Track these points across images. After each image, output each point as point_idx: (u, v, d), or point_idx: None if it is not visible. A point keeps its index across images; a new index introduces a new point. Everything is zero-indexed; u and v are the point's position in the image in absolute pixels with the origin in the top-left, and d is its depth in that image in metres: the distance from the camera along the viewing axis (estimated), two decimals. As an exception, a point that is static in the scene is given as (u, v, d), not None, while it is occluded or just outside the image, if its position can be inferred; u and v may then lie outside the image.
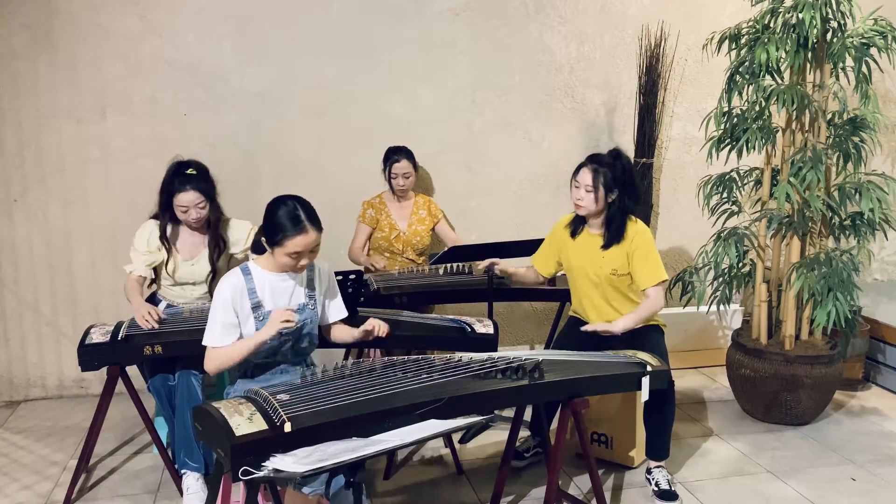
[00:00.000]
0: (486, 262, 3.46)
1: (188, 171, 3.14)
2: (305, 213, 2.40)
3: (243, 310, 2.46)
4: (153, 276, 3.28)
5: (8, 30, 3.85)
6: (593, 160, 3.11)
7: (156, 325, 2.98)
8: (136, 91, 4.03)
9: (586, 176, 3.08)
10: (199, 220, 3.17)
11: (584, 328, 3.05)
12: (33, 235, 4.04)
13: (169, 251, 3.20)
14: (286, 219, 2.38)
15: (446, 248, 3.72)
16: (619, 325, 3.02)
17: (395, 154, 3.94)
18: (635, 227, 3.14)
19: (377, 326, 2.63)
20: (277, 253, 2.42)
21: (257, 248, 2.54)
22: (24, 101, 3.92)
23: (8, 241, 4.02)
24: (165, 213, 3.19)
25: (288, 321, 2.37)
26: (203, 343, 2.46)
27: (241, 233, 3.31)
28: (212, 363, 2.46)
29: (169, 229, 3.22)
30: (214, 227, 3.24)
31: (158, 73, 4.03)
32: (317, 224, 2.42)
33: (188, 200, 3.12)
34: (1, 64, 3.87)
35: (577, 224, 3.22)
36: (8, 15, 3.84)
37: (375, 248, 4.05)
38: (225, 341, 2.43)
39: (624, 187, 3.09)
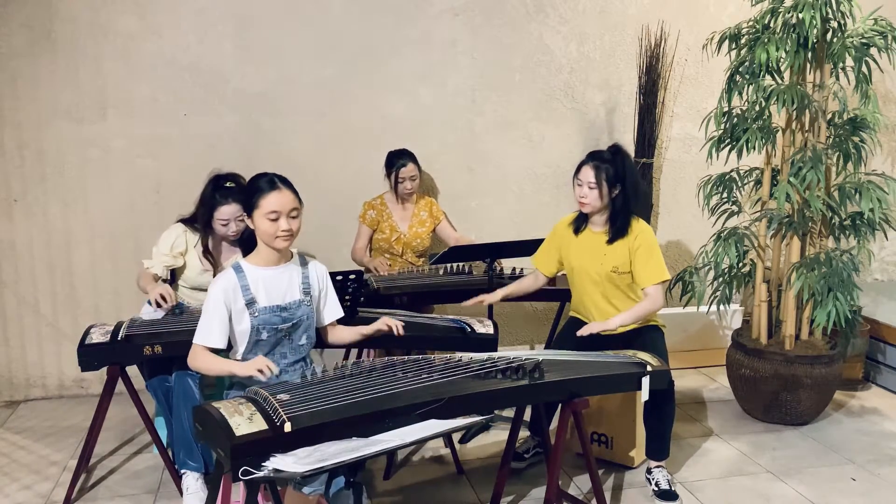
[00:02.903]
0: (474, 301, 3.29)
1: (227, 185, 3.19)
2: (279, 178, 2.48)
3: (237, 307, 2.46)
4: (168, 278, 3.30)
5: (8, 30, 3.85)
6: (594, 157, 3.12)
7: (173, 303, 3.05)
8: (136, 91, 4.03)
9: (588, 173, 3.08)
10: (238, 232, 3.20)
11: (579, 333, 2.99)
12: (33, 235, 4.04)
13: (215, 267, 3.25)
14: (261, 183, 2.47)
15: (447, 248, 3.72)
16: (616, 321, 3.01)
17: (400, 158, 3.94)
18: (639, 225, 3.14)
19: (394, 326, 2.68)
20: (257, 219, 2.45)
21: (250, 243, 2.55)
22: (24, 101, 3.92)
23: (8, 241, 4.02)
24: (207, 229, 3.23)
25: (263, 371, 2.33)
26: (194, 340, 2.46)
27: None
28: (194, 361, 2.47)
29: (210, 242, 3.27)
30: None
31: (158, 73, 4.03)
32: (291, 188, 2.48)
33: (229, 213, 3.16)
34: (1, 64, 3.87)
35: (580, 222, 3.23)
36: (8, 15, 3.84)
37: (375, 250, 4.05)
38: (214, 343, 2.44)
39: (626, 182, 3.09)
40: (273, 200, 2.42)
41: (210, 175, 3.23)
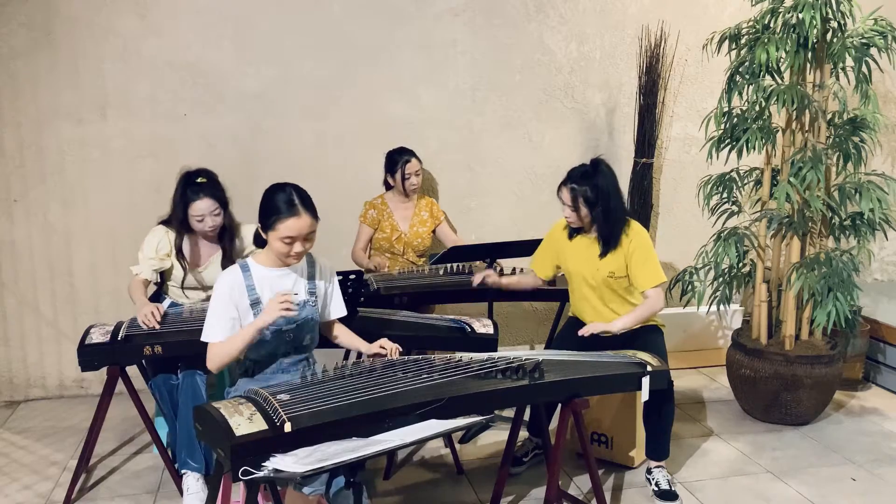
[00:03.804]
0: (480, 276, 3.40)
1: (199, 180, 3.16)
2: (300, 198, 2.41)
3: (242, 306, 2.45)
4: (158, 280, 3.28)
5: (8, 30, 3.85)
6: (571, 178, 3.10)
7: (157, 325, 2.98)
8: (136, 91, 4.03)
9: (566, 196, 3.10)
10: (215, 227, 3.18)
11: (580, 332, 3.00)
12: (33, 235, 4.04)
13: (185, 269, 3.21)
14: (280, 202, 2.39)
15: (447, 248, 3.72)
16: (618, 324, 3.01)
17: (404, 155, 3.95)
18: (632, 229, 3.14)
19: (390, 350, 2.59)
20: (271, 238, 2.42)
21: (257, 241, 2.55)
22: (24, 101, 3.92)
23: (8, 241, 4.02)
24: (181, 228, 3.18)
25: (288, 307, 2.32)
26: (202, 339, 2.45)
27: (251, 237, 3.30)
28: (214, 360, 2.43)
29: (183, 240, 3.22)
30: (229, 234, 3.25)
31: (158, 73, 4.03)
32: (311, 210, 2.42)
33: (203, 208, 3.13)
34: (1, 64, 3.87)
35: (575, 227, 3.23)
36: (8, 15, 3.84)
37: (377, 249, 4.05)
38: (224, 337, 2.43)
39: (607, 197, 3.07)
40: (290, 226, 2.37)
41: (180, 172, 3.20)
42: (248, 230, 3.32)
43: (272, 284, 2.49)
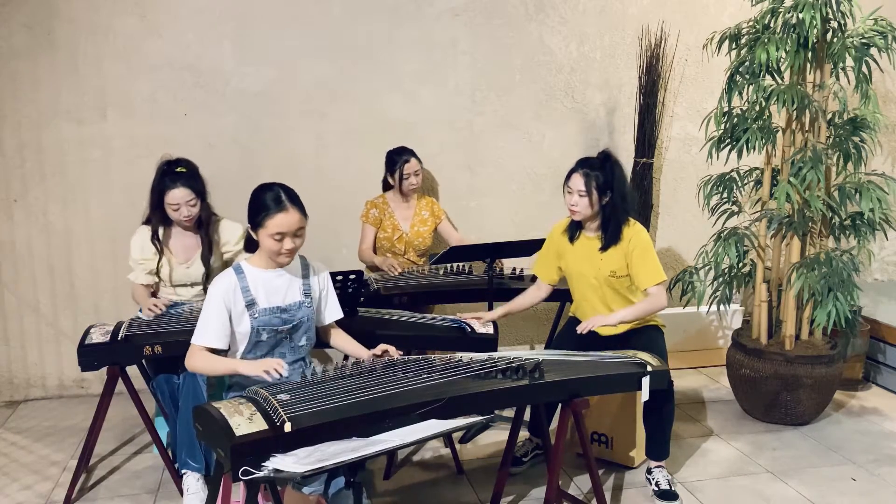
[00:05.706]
0: (472, 315, 3.22)
1: (178, 169, 3.17)
2: (287, 194, 2.44)
3: (237, 308, 2.46)
4: (158, 279, 3.29)
5: (8, 30, 3.85)
6: (584, 164, 3.10)
7: (163, 309, 3.08)
8: (136, 91, 4.03)
9: (578, 181, 3.08)
10: (191, 217, 3.18)
11: (579, 328, 3.00)
12: (33, 235, 4.04)
13: (161, 252, 3.21)
14: (268, 199, 2.43)
15: (447, 248, 3.72)
16: (616, 317, 3.00)
17: (403, 154, 3.95)
18: (632, 228, 3.14)
19: (388, 351, 2.60)
20: (262, 236, 2.44)
21: (250, 246, 2.55)
22: (24, 101, 3.92)
23: (8, 241, 4.02)
24: (156, 212, 3.19)
25: (270, 372, 2.30)
26: (192, 340, 2.46)
27: (231, 234, 3.31)
28: (192, 361, 2.45)
29: (161, 231, 3.22)
30: (206, 226, 3.25)
31: (158, 73, 4.03)
32: (299, 206, 2.45)
33: (179, 197, 3.13)
34: (1, 64, 3.87)
35: (574, 229, 3.22)
36: (8, 15, 3.84)
37: (377, 249, 4.04)
38: (213, 343, 2.44)
39: (616, 189, 3.08)
40: (279, 222, 2.40)
41: (160, 161, 3.21)
42: (227, 226, 3.32)
43: (267, 286, 2.49)
